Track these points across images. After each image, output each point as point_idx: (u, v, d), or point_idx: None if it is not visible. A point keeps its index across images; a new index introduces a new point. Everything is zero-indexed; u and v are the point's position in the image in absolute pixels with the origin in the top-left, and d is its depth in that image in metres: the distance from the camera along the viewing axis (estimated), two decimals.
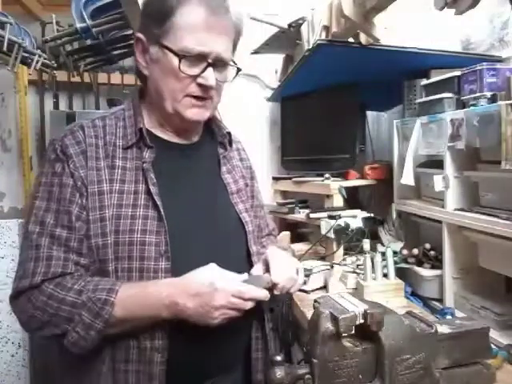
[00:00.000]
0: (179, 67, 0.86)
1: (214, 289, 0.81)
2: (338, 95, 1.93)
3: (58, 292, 0.81)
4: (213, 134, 1.05)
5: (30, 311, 0.82)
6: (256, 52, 2.16)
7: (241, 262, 0.97)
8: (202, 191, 0.97)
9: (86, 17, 1.41)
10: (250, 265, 0.97)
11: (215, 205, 0.98)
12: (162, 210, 0.87)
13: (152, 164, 0.90)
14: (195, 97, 0.90)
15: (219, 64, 0.89)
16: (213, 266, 0.84)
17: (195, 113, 0.91)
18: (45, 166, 0.91)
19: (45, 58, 1.72)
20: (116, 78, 2.35)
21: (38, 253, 0.84)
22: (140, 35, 0.91)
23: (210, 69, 0.87)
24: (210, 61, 0.87)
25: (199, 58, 0.86)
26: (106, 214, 0.85)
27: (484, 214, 1.18)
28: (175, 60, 0.86)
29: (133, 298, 0.82)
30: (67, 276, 0.83)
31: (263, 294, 0.86)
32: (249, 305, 0.84)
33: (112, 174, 0.88)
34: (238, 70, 0.95)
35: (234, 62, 0.94)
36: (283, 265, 0.96)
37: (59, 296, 0.81)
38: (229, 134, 1.05)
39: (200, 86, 0.88)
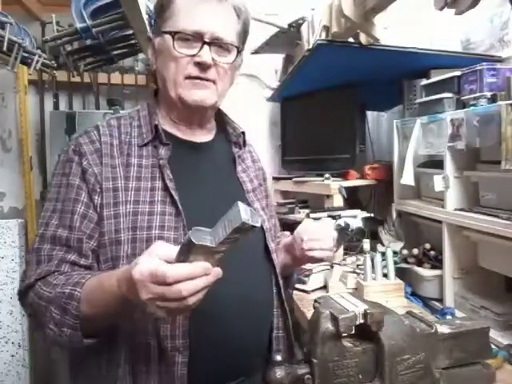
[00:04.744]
0: (174, 46, 0.87)
1: (135, 280, 0.66)
2: (338, 95, 1.93)
3: (42, 289, 0.80)
4: (226, 134, 1.06)
5: (28, 311, 0.84)
6: (256, 52, 2.16)
7: (260, 258, 0.97)
8: (218, 189, 0.96)
9: (85, 17, 1.41)
10: (270, 262, 0.98)
11: (232, 203, 0.98)
12: (179, 206, 0.86)
13: (168, 161, 0.90)
14: (195, 78, 0.90)
15: (217, 44, 0.89)
16: (157, 244, 0.71)
17: (196, 94, 0.90)
18: (56, 167, 0.92)
19: (45, 58, 1.72)
20: (116, 77, 2.35)
21: (39, 255, 0.84)
22: (150, 34, 0.97)
23: (206, 47, 0.88)
24: (206, 40, 0.88)
25: (196, 38, 0.88)
26: (120, 211, 0.85)
27: (484, 214, 1.18)
28: (171, 41, 0.88)
29: (92, 291, 0.75)
30: (56, 273, 0.81)
31: (199, 270, 0.66)
32: (187, 289, 0.64)
33: (127, 171, 0.88)
34: (238, 50, 0.93)
35: (238, 48, 0.93)
36: (315, 226, 1.00)
37: (40, 292, 0.79)
38: (243, 133, 1.06)
39: (197, 65, 0.88)
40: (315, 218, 1.08)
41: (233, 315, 0.86)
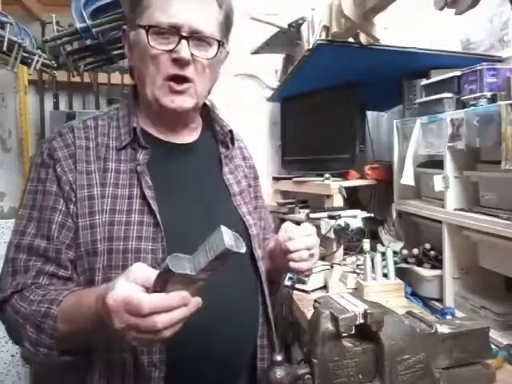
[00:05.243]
0: (148, 42, 0.81)
1: (108, 306, 0.63)
2: (338, 95, 1.93)
3: (19, 304, 0.76)
4: (213, 132, 1.00)
5: (5, 325, 0.81)
6: (256, 52, 2.16)
7: (245, 266, 0.92)
8: (201, 193, 0.91)
9: (85, 17, 1.41)
10: (256, 269, 0.93)
11: (216, 208, 0.92)
12: (158, 216, 0.81)
13: (147, 166, 0.85)
14: (174, 81, 0.83)
15: (196, 37, 0.83)
16: (136, 266, 0.67)
17: (174, 100, 0.84)
18: (31, 171, 0.86)
19: (45, 58, 1.72)
20: (116, 77, 2.35)
21: (15, 266, 0.80)
22: (125, 27, 0.90)
23: (184, 41, 0.81)
24: (183, 34, 0.81)
25: (172, 32, 0.81)
26: (96, 220, 0.80)
27: (484, 214, 1.18)
28: (145, 36, 0.81)
29: (70, 308, 0.72)
30: (33, 286, 0.78)
31: (177, 300, 0.62)
32: (163, 321, 0.61)
33: (104, 177, 0.83)
34: (220, 43, 0.86)
35: (220, 42, 0.86)
36: (296, 233, 0.92)
37: (17, 307, 0.76)
38: (231, 131, 1.00)
39: (175, 61, 0.82)
40: (297, 222, 1.02)
41: (215, 326, 0.82)
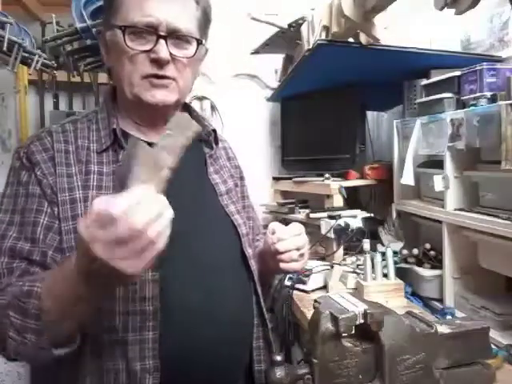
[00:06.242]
0: (125, 42, 0.79)
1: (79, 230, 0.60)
2: (338, 95, 1.93)
3: (1, 299, 0.71)
4: None
5: None
6: (256, 52, 2.16)
7: (236, 266, 0.91)
8: (187, 193, 0.88)
9: (86, 17, 1.41)
10: (248, 269, 0.92)
11: (203, 207, 0.91)
12: None
13: None
14: (153, 77, 0.82)
15: (175, 36, 0.81)
16: None
17: (154, 95, 0.82)
18: (9, 175, 0.83)
19: (45, 58, 1.72)
20: None
21: None
22: (101, 28, 0.89)
23: (162, 41, 0.79)
24: (161, 33, 0.79)
25: (149, 32, 0.79)
26: None
27: (484, 214, 1.18)
28: (121, 36, 0.79)
29: (55, 279, 0.68)
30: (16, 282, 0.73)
31: (142, 190, 0.59)
32: (119, 203, 0.56)
33: (87, 180, 0.81)
34: (198, 42, 0.85)
35: (199, 41, 0.84)
36: (285, 233, 0.91)
37: None
38: (214, 131, 0.98)
39: (154, 62, 0.80)
40: (287, 222, 1.01)
41: (208, 328, 0.81)
